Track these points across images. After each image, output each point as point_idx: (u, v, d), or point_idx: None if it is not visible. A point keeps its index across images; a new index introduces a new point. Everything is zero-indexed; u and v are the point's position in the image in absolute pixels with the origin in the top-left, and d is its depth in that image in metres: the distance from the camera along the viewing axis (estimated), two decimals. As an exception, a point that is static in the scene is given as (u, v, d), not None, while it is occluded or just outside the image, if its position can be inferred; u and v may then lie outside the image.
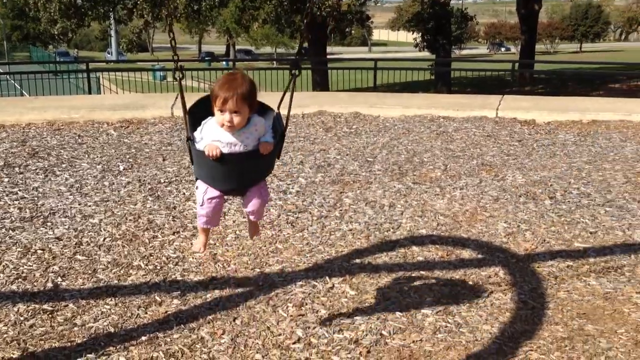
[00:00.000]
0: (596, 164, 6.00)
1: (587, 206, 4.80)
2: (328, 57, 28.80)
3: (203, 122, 2.55)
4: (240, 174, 2.57)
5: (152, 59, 25.66)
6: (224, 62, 32.19)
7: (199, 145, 2.51)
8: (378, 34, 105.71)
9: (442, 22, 23.16)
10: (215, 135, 2.50)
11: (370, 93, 11.08)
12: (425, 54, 34.44)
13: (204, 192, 2.62)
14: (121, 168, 5.72)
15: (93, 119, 7.69)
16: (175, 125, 7.50)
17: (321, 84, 19.26)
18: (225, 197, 2.71)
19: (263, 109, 2.63)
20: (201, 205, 2.66)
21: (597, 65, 28.07)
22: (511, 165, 5.97)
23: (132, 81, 15.56)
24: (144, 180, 5.35)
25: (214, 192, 2.61)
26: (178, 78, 2.52)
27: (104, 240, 4.05)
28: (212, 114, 2.51)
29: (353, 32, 58.99)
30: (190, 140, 2.54)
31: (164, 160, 6.03)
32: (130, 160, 6.01)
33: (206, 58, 46.52)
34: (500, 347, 2.91)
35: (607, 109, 8.14)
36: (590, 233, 4.27)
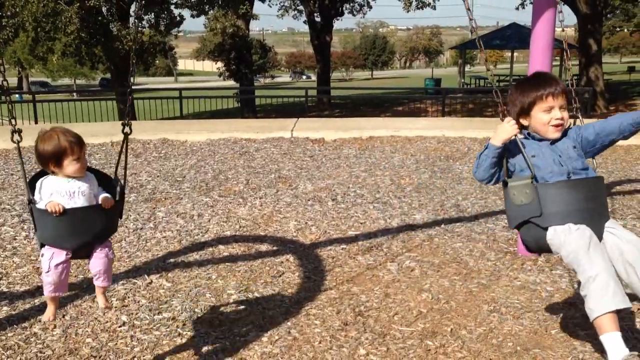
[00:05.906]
0: (371, 171, 7.26)
1: (360, 204, 5.92)
2: (134, 87, 28.54)
3: (38, 183, 2.73)
4: (85, 226, 2.70)
5: None
6: (17, 96, 30.29)
7: (40, 205, 2.67)
8: (183, 64, 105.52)
9: (242, 52, 24.41)
10: (54, 187, 2.69)
11: (177, 120, 11.66)
12: (231, 82, 35.58)
13: (49, 258, 2.68)
14: None
15: None
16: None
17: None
18: (72, 260, 2.78)
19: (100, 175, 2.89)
20: (47, 272, 2.70)
21: (386, 90, 31.51)
22: (303, 177, 6.99)
23: None
24: (-48, 212, 5.42)
25: (60, 257, 2.68)
26: (17, 142, 2.69)
27: None
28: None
29: (157, 62, 58.51)
30: (32, 203, 2.69)
31: (-30, 192, 6.08)
32: None
33: (-5, 91, 42.94)
34: (287, 309, 3.73)
35: (381, 127, 9.65)
36: (361, 223, 5.35)
